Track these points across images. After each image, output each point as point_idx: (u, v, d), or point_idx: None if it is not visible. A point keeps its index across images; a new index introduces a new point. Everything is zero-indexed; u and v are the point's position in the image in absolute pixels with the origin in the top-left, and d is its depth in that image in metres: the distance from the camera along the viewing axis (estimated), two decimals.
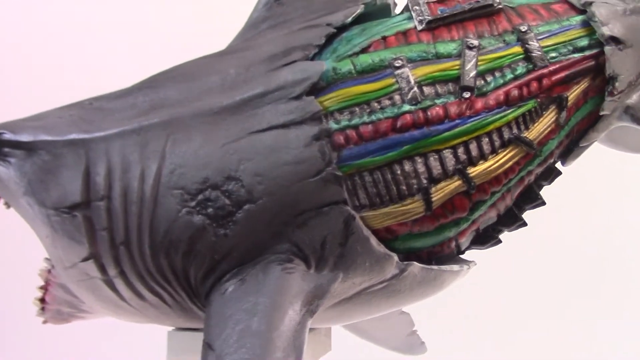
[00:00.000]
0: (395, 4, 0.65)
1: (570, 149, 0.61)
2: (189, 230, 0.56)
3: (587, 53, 0.58)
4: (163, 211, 0.57)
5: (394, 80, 0.56)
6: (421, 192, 0.56)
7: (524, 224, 0.63)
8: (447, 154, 0.56)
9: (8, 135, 0.62)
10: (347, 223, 0.55)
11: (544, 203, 0.62)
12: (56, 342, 1.22)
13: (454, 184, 0.56)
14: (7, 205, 0.66)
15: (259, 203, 0.55)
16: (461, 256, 0.64)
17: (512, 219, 0.62)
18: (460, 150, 0.56)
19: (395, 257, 0.57)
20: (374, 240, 0.56)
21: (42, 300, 0.70)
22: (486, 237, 0.63)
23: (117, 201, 0.58)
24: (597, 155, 0.64)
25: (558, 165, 0.63)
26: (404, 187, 0.56)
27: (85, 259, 0.60)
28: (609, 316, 1.15)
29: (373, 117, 0.56)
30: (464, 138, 0.56)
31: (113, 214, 0.58)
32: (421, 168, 0.56)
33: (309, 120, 0.56)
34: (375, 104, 0.56)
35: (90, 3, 1.34)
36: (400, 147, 0.56)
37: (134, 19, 1.33)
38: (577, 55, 0.58)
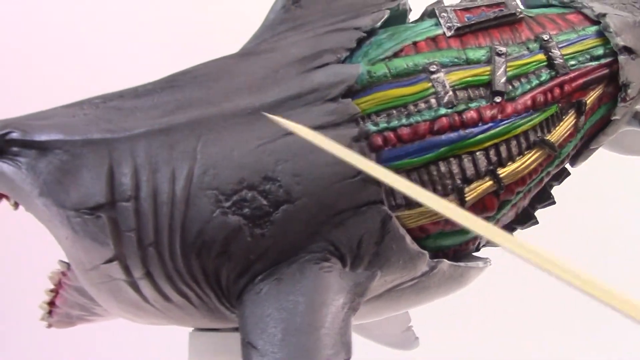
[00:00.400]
0: (410, 10, 0.67)
1: (580, 151, 0.65)
2: (224, 230, 0.56)
3: (602, 61, 0.62)
4: (196, 212, 0.57)
5: (430, 84, 0.59)
6: (456, 191, 0.59)
7: (536, 222, 0.66)
8: (480, 156, 0.59)
9: (16, 134, 0.61)
10: (384, 222, 0.57)
11: (554, 202, 0.66)
12: (66, 344, 1.18)
13: (485, 184, 0.59)
14: (16, 206, 0.64)
15: (297, 203, 0.56)
16: (475, 254, 0.67)
17: (525, 218, 0.66)
18: (492, 152, 0.59)
19: (427, 255, 0.59)
20: (408, 239, 0.58)
21: (52, 303, 0.69)
22: None
23: (146, 202, 0.57)
24: (600, 156, 0.68)
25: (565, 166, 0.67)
26: (440, 187, 0.58)
27: (108, 261, 0.59)
28: (609, 316, 1.19)
29: (411, 120, 0.58)
30: (495, 140, 0.59)
31: (141, 215, 0.58)
32: (456, 169, 0.58)
33: (347, 122, 0.57)
34: (412, 107, 0.58)
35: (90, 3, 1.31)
36: (438, 148, 0.58)
37: (133, 17, 1.31)
38: (593, 64, 0.61)
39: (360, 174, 0.57)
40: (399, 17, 0.66)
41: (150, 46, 1.27)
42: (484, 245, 0.66)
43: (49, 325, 0.70)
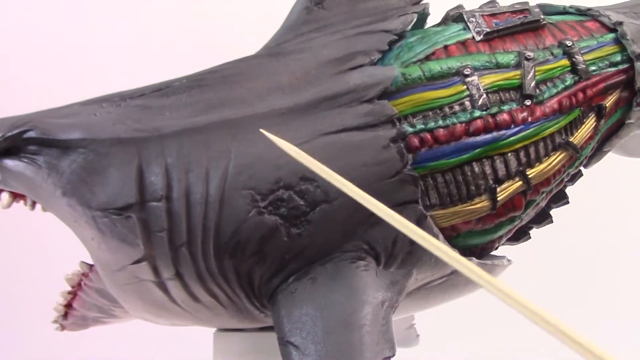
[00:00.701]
0: (429, 14, 0.69)
1: (594, 153, 0.68)
2: (260, 230, 0.57)
3: (620, 67, 0.65)
4: (231, 212, 0.57)
5: (464, 87, 0.60)
6: (488, 191, 0.60)
7: (551, 221, 0.69)
8: (511, 157, 0.61)
9: (34, 133, 0.59)
10: (419, 221, 0.58)
11: (568, 202, 0.69)
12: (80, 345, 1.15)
13: (516, 185, 0.61)
14: (33, 206, 0.63)
15: (334, 203, 0.57)
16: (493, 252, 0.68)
17: (542, 217, 0.68)
18: (522, 154, 0.61)
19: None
20: (441, 238, 0.59)
21: (68, 305, 0.67)
22: (518, 234, 0.68)
23: (178, 202, 0.57)
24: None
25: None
26: (473, 187, 0.60)
27: (137, 261, 0.58)
28: (611, 317, 1.21)
29: (447, 122, 0.59)
30: (526, 142, 0.61)
31: (174, 215, 0.57)
32: (488, 170, 0.60)
33: (384, 123, 0.58)
34: (447, 109, 0.60)
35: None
36: (473, 150, 0.59)
37: (137, 19, 1.29)
38: (612, 70, 0.64)
39: (399, 174, 0.58)
40: (418, 21, 0.67)
41: (153, 44, 1.26)
42: (502, 244, 0.68)
43: (62, 328, 0.69)
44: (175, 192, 0.57)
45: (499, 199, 0.61)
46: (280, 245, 0.57)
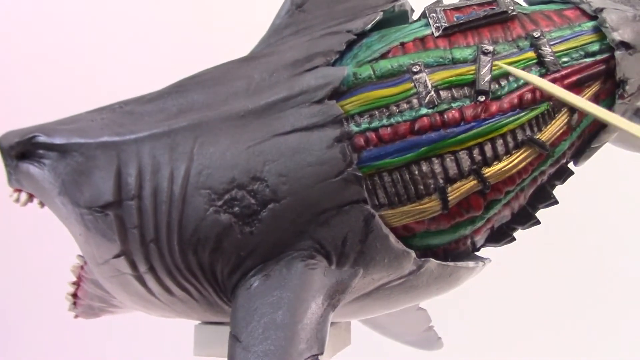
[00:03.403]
0: (412, 10, 0.68)
1: (582, 150, 0.63)
2: (216, 228, 0.59)
3: (598, 57, 0.60)
4: (191, 210, 0.59)
5: (412, 84, 0.59)
6: (438, 191, 0.59)
7: (537, 222, 0.65)
8: (463, 155, 0.58)
9: (42, 138, 0.66)
10: (367, 221, 0.58)
11: (556, 202, 0.65)
12: (75, 340, 1.25)
13: (469, 184, 0.59)
14: (42, 204, 0.69)
15: (283, 202, 0.58)
16: (476, 253, 0.66)
17: (525, 218, 0.65)
18: (476, 152, 0.58)
19: (413, 254, 0.59)
20: (392, 238, 0.59)
21: (74, 295, 0.74)
22: (501, 235, 0.65)
23: (147, 200, 0.61)
24: (607, 155, 0.66)
25: (570, 165, 0.65)
26: (422, 187, 0.58)
27: (116, 256, 0.62)
28: (613, 317, 1.16)
29: (392, 120, 0.59)
30: (479, 140, 0.58)
31: (143, 213, 0.61)
32: (438, 168, 0.58)
33: (331, 123, 0.59)
34: (394, 108, 0.59)
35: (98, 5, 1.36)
36: (418, 148, 0.58)
37: (139, 21, 1.36)
38: (588, 60, 0.60)
39: (342, 173, 0.58)
40: (399, 18, 0.66)
41: (156, 51, 1.31)
42: (482, 246, 0.65)
43: (76, 316, 0.75)
44: (145, 191, 0.61)
45: (449, 198, 0.59)
46: (235, 243, 0.59)
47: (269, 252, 0.59)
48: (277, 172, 0.58)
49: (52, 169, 0.65)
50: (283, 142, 0.59)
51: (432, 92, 0.58)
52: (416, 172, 0.58)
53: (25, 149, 0.66)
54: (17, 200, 0.68)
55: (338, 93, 0.60)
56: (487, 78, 0.58)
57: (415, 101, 0.59)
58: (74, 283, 0.73)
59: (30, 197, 0.69)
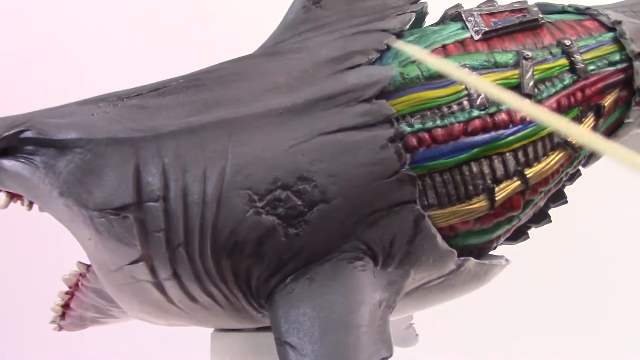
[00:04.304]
0: (427, 13, 0.69)
1: (593, 153, 0.68)
2: (258, 230, 0.56)
3: (619, 67, 0.64)
4: (228, 212, 0.57)
5: (462, 86, 0.60)
6: (487, 191, 0.60)
7: (550, 221, 0.68)
8: (509, 157, 0.60)
9: (31, 133, 0.59)
10: (416, 222, 0.58)
11: (567, 201, 0.68)
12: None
13: (514, 184, 0.61)
14: (30, 206, 0.63)
15: (332, 203, 0.57)
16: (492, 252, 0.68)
17: (540, 216, 0.68)
18: (520, 153, 0.61)
19: (456, 254, 0.60)
20: (439, 238, 0.59)
21: (66, 305, 0.67)
22: (517, 233, 0.68)
23: (175, 202, 0.57)
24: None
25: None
26: (471, 187, 0.60)
27: (134, 262, 0.58)
28: (613, 317, 1.21)
29: (446, 121, 0.59)
30: (524, 142, 0.61)
31: (171, 215, 0.57)
32: (486, 169, 0.60)
33: (382, 123, 0.58)
34: (446, 109, 0.60)
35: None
36: (471, 149, 0.59)
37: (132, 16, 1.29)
38: (610, 69, 0.64)
39: (397, 174, 0.57)
40: (416, 20, 0.67)
41: (152, 44, 1.26)
42: (500, 244, 0.68)
43: (60, 329, 0.69)
44: (172, 192, 0.57)
45: (497, 199, 0.60)
46: (277, 246, 0.57)
47: (313, 254, 0.57)
48: (327, 172, 0.57)
49: (48, 167, 0.59)
50: (330, 142, 0.57)
51: (483, 95, 0.60)
52: (467, 173, 0.59)
53: (8, 145, 0.60)
54: None
55: (385, 93, 0.59)
56: (531, 83, 0.61)
57: (465, 103, 0.60)
58: (67, 293, 0.67)
59: (13, 198, 0.62)
